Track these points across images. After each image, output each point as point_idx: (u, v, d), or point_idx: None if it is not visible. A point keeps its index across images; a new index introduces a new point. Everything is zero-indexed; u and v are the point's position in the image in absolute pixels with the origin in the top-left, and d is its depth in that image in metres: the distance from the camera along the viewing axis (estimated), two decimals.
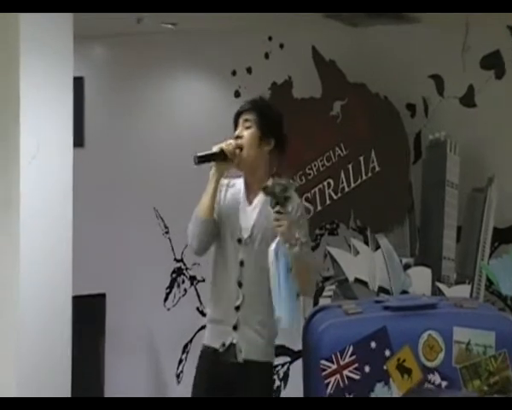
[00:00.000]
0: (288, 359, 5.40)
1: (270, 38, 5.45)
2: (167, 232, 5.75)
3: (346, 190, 4.90)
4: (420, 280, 4.59)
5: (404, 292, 4.58)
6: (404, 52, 5.09)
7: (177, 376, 5.69)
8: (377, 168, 4.85)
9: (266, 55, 5.48)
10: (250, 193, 3.49)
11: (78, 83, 5.29)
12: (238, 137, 3.46)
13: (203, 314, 5.21)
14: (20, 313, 3.71)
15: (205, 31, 5.44)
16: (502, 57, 4.91)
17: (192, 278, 5.72)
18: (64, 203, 3.96)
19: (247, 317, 3.39)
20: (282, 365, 5.42)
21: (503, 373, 3.33)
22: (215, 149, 3.43)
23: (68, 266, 3.96)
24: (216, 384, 3.41)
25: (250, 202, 3.48)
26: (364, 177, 4.87)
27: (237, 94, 5.56)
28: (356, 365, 3.32)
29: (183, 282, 5.76)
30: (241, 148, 3.44)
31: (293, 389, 5.05)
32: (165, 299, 5.79)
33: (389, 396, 3.30)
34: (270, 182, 3.28)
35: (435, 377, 3.33)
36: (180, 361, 5.68)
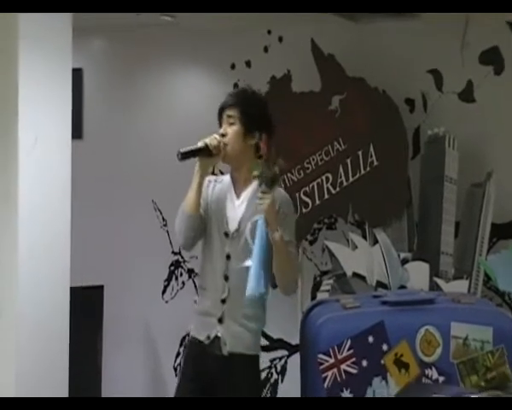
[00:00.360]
0: (286, 352, 5.41)
1: (269, 32, 5.45)
2: (165, 225, 5.74)
3: (345, 184, 4.90)
4: (418, 275, 4.59)
5: (402, 287, 4.58)
6: (404, 47, 5.08)
7: (175, 369, 5.69)
8: (376, 163, 4.85)
9: (265, 49, 5.48)
10: (237, 187, 3.51)
11: (77, 74, 5.29)
12: (222, 135, 3.46)
13: None
14: (18, 305, 3.71)
15: (204, 25, 5.43)
16: (501, 53, 4.91)
17: (190, 271, 5.72)
18: (62, 196, 3.95)
19: (233, 310, 3.40)
20: (280, 358, 5.43)
21: (500, 369, 3.34)
22: (200, 143, 3.43)
23: (66, 258, 3.96)
24: (201, 376, 3.42)
25: (238, 196, 3.50)
26: (363, 171, 4.87)
27: (236, 87, 5.55)
28: (353, 359, 3.33)
29: (181, 275, 5.77)
30: (225, 144, 3.45)
31: (291, 382, 5.06)
32: (164, 291, 5.80)
33: (386, 391, 3.31)
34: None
35: (432, 372, 3.35)
36: (178, 354, 5.69)
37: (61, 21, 3.90)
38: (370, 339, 3.35)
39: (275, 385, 5.46)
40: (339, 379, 3.32)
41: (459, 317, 3.39)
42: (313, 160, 4.96)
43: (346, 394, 3.32)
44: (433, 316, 3.40)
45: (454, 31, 4.93)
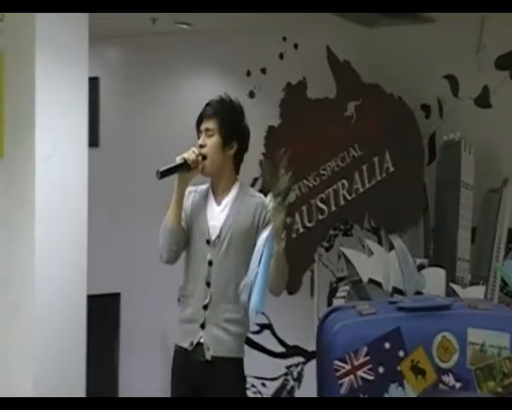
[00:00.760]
0: (302, 359, 5.40)
1: (284, 39, 5.46)
2: None
3: (361, 190, 4.89)
4: (434, 281, 4.58)
5: (419, 293, 4.56)
6: (419, 52, 5.08)
7: None
8: (391, 169, 4.84)
9: (281, 56, 5.49)
10: (218, 194, 3.53)
11: (94, 83, 5.31)
12: (201, 146, 3.49)
13: None
14: (35, 313, 3.73)
15: (219, 31, 5.45)
16: None
17: None
18: (79, 203, 3.97)
19: (214, 315, 3.43)
20: (296, 365, 5.42)
21: None
22: (178, 159, 3.47)
23: (83, 265, 3.98)
24: (188, 382, 3.46)
25: (218, 204, 3.53)
26: (379, 177, 4.87)
27: (252, 95, 5.57)
28: (370, 365, 3.32)
29: None
30: (204, 156, 3.47)
31: (308, 389, 5.05)
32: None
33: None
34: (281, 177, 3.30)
35: (449, 379, 3.33)
36: None
37: (78, 30, 3.93)
38: (387, 345, 3.33)
39: (291, 392, 5.45)
40: (355, 386, 3.31)
41: (476, 323, 3.37)
42: (329, 166, 4.96)
43: None
44: (450, 322, 3.38)
45: (469, 36, 4.93)
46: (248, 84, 5.53)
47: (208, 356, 3.41)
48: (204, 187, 3.58)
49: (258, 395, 5.53)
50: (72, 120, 3.94)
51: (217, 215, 3.49)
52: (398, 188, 4.82)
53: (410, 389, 3.31)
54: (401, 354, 3.33)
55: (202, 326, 3.44)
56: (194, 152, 3.48)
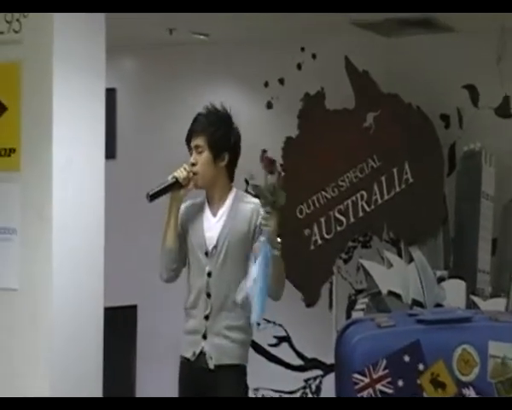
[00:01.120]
0: (321, 372, 5.36)
1: (302, 49, 5.43)
2: None
3: (380, 201, 4.86)
4: (454, 293, 4.54)
5: (438, 305, 4.52)
6: (438, 62, 5.04)
7: None
8: (411, 180, 4.81)
9: (299, 66, 5.47)
10: (213, 205, 3.53)
11: (111, 94, 5.31)
12: (193, 164, 3.50)
13: None
14: (52, 325, 3.71)
15: (236, 42, 5.43)
16: None
17: None
18: (96, 215, 3.96)
19: (215, 324, 3.44)
20: (315, 378, 5.38)
21: None
22: (169, 178, 3.48)
23: (100, 277, 3.96)
24: (193, 392, 3.48)
25: (214, 215, 3.53)
26: (398, 188, 4.83)
27: (269, 105, 5.55)
28: (389, 379, 3.28)
29: None
30: (195, 173, 3.48)
31: None
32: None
33: None
34: (262, 183, 3.28)
35: (470, 392, 3.29)
36: None
37: (95, 41, 3.92)
38: (406, 358, 3.30)
39: None
40: None
41: (497, 335, 3.33)
42: (347, 177, 4.93)
43: None
44: (471, 335, 3.35)
45: (489, 44, 4.89)
46: (266, 95, 5.52)
47: (211, 365, 3.42)
48: (199, 199, 3.59)
49: None
50: (89, 131, 3.93)
51: (213, 226, 3.49)
52: (417, 199, 4.78)
53: None
54: (421, 367, 3.29)
55: (204, 337, 3.44)
56: (185, 169, 3.48)
